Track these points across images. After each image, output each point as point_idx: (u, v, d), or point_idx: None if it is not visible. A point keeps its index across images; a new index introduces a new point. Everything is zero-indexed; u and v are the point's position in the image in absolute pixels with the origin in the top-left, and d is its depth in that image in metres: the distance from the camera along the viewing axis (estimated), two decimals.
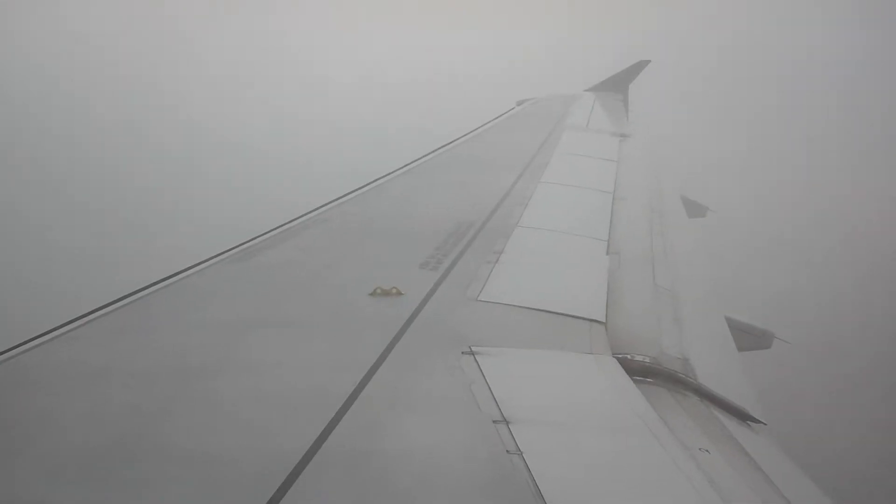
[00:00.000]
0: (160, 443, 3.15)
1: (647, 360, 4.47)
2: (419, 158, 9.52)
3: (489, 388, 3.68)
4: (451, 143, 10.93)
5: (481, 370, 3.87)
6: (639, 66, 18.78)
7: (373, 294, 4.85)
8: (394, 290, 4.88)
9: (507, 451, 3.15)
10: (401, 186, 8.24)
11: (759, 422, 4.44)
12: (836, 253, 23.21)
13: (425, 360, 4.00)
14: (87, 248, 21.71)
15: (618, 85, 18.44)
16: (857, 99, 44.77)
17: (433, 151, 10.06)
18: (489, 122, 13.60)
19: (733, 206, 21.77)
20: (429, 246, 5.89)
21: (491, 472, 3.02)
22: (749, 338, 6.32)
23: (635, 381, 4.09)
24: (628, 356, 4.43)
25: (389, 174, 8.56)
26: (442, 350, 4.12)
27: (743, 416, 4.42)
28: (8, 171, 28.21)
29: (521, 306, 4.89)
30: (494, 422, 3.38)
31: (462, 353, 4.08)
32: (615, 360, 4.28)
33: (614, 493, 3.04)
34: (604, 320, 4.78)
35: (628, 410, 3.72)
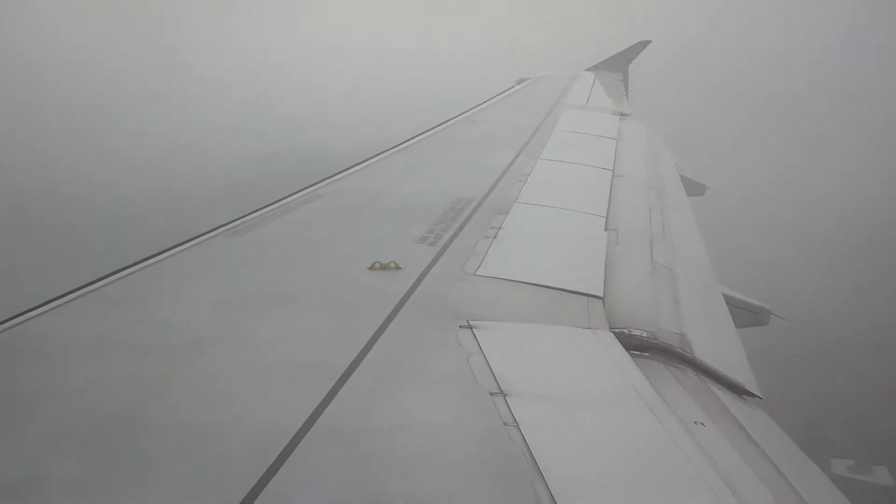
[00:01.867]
0: (156, 416, 3.16)
1: (645, 334, 4.49)
2: (419, 134, 9.50)
3: (486, 362, 3.70)
4: (451, 119, 10.90)
5: (479, 344, 3.89)
6: (639, 46, 18.73)
7: (371, 268, 4.86)
8: (392, 265, 4.89)
9: (504, 423, 3.17)
10: (400, 162, 8.22)
11: (755, 396, 4.46)
12: (833, 230, 23.22)
13: (423, 334, 4.02)
14: (83, 222, 21.70)
15: (618, 64, 18.38)
16: (855, 80, 44.59)
17: (433, 128, 10.03)
18: (489, 99, 13.57)
19: (732, 184, 21.77)
20: (427, 221, 5.89)
21: (488, 444, 3.04)
22: (746, 314, 6.33)
23: (632, 356, 4.11)
24: (626, 331, 4.44)
25: (389, 150, 8.54)
26: (440, 324, 4.13)
27: (739, 391, 4.44)
28: (7, 151, 28.15)
29: (519, 281, 4.90)
30: (492, 394, 3.40)
31: (460, 326, 4.10)
32: (612, 334, 4.30)
33: (610, 465, 3.06)
34: (602, 295, 4.79)
35: (625, 384, 3.73)
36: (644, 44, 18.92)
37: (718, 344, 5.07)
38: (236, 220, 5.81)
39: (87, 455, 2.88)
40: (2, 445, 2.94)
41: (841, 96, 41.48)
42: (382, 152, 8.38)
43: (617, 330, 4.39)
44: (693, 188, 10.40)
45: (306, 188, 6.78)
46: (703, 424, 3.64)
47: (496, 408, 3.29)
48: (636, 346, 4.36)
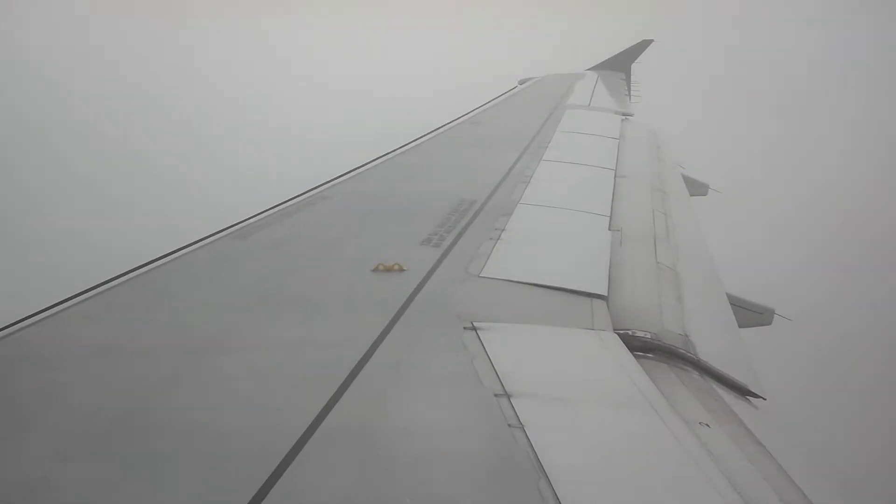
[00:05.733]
0: (163, 418, 3.18)
1: (649, 335, 4.49)
2: (422, 136, 9.50)
3: (491, 363, 3.70)
4: (453, 120, 10.91)
5: (483, 345, 3.90)
6: (641, 46, 18.76)
7: (375, 270, 4.86)
8: (396, 267, 4.89)
9: (509, 424, 3.17)
10: (403, 164, 8.23)
11: (759, 396, 4.46)
12: (836, 230, 23.19)
13: (427, 336, 4.02)
14: (90, 225, 21.73)
15: (620, 64, 18.42)
16: (857, 82, 44.51)
17: (436, 129, 10.04)
18: (492, 100, 13.58)
19: (735, 184, 21.74)
20: (431, 223, 5.90)
21: (493, 446, 3.04)
22: (750, 314, 6.33)
23: (636, 357, 4.12)
24: (630, 332, 4.44)
25: (392, 152, 8.54)
26: (444, 325, 4.14)
27: (743, 391, 4.44)
28: (18, 150, 28.15)
29: (523, 282, 4.90)
30: (496, 396, 3.41)
31: (464, 328, 4.10)
32: (616, 335, 4.30)
33: (615, 466, 3.07)
34: (605, 296, 4.79)
35: (629, 385, 3.74)
36: (646, 43, 18.96)
37: (722, 345, 5.07)
38: (240, 222, 5.83)
39: (92, 459, 2.88)
40: (7, 450, 2.95)
41: (844, 94, 41.40)
42: (385, 154, 8.39)
43: (621, 331, 4.39)
44: (695, 188, 10.41)
45: (309, 190, 6.79)
46: (707, 425, 3.64)
47: (501, 409, 3.30)
48: (640, 347, 4.36)
